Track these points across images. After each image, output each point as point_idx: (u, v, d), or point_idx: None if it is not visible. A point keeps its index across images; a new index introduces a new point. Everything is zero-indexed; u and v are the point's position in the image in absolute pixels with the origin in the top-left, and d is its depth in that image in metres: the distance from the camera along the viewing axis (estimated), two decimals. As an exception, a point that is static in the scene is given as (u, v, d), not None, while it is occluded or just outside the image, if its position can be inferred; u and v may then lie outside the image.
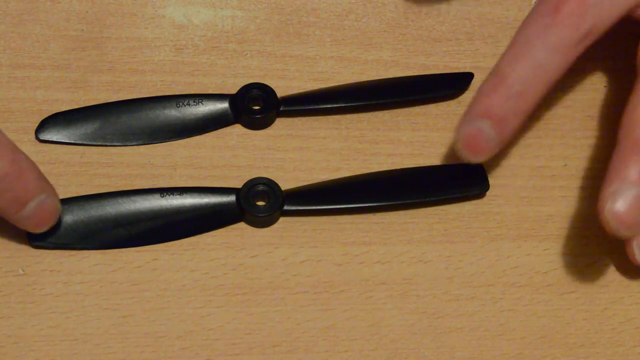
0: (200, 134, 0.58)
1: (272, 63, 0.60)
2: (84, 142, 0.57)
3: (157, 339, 0.52)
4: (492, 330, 0.53)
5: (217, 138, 0.58)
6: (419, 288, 0.54)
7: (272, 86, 0.59)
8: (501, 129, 0.53)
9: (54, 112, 0.57)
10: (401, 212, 0.56)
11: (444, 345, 0.53)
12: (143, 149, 0.57)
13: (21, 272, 0.53)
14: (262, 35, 0.61)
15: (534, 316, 0.54)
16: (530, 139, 0.59)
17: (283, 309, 0.53)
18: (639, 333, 0.54)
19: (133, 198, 0.55)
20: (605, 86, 0.61)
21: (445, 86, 0.60)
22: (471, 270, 0.55)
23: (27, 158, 0.52)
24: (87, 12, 0.61)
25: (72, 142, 0.57)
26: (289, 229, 0.55)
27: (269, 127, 0.58)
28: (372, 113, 0.59)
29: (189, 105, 0.58)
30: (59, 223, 0.53)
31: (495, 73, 0.53)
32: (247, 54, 0.61)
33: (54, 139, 0.57)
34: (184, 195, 0.55)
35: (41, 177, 0.52)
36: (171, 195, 0.55)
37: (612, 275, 0.55)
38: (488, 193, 0.57)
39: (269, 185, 0.55)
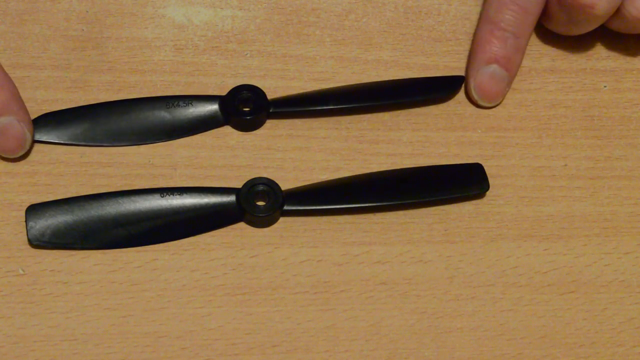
0: (190, 135, 0.58)
1: (272, 63, 0.60)
2: (73, 142, 0.57)
3: (157, 339, 0.52)
4: (492, 330, 0.53)
5: (217, 138, 0.58)
6: (419, 288, 0.54)
7: (272, 86, 0.59)
8: (509, 67, 0.59)
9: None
10: (401, 212, 0.56)
11: (444, 345, 0.53)
12: (143, 148, 0.57)
13: (21, 272, 0.53)
14: (262, 35, 0.61)
15: (534, 316, 0.54)
16: (530, 139, 0.59)
17: (283, 309, 0.53)
18: (639, 333, 0.54)
19: (133, 198, 0.54)
20: (605, 86, 0.61)
21: (436, 89, 0.60)
22: (471, 270, 0.55)
23: (7, 78, 0.55)
24: (87, 12, 0.61)
25: (62, 142, 0.56)
26: (289, 229, 0.55)
27: (263, 128, 0.58)
28: (372, 113, 0.59)
29: (179, 106, 0.58)
30: (59, 223, 0.53)
31: (486, 21, 0.59)
32: (247, 54, 0.61)
33: (43, 139, 0.56)
34: (184, 195, 0.55)
35: (15, 100, 0.54)
36: (171, 195, 0.55)
37: (612, 275, 0.55)
38: (488, 193, 0.57)
39: (269, 185, 0.55)
